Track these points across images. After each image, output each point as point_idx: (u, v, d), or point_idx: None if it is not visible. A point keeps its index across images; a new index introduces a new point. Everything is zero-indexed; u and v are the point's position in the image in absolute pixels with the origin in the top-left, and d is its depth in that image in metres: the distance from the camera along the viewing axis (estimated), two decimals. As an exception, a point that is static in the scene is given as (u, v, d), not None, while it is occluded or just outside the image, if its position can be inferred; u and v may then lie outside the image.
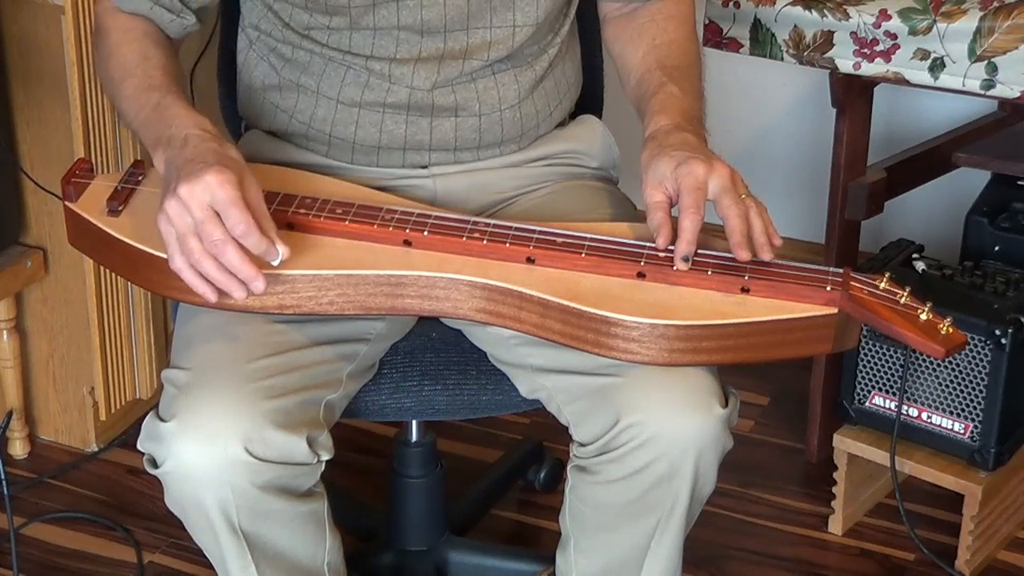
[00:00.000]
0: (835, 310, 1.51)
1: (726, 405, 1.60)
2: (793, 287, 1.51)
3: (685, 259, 1.53)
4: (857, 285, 1.52)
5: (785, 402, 2.69)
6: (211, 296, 1.50)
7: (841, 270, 1.53)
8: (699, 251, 1.55)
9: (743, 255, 1.53)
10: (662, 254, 1.55)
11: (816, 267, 1.54)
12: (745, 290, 1.52)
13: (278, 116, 1.81)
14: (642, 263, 1.54)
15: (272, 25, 1.78)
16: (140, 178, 1.67)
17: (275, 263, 1.50)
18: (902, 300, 1.50)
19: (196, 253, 1.48)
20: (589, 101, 1.98)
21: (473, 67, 1.74)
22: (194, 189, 1.47)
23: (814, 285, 1.51)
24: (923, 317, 1.49)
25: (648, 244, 1.56)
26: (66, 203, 1.64)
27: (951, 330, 1.48)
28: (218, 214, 1.47)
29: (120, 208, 1.61)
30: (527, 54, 1.79)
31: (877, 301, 1.50)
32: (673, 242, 1.55)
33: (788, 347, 1.52)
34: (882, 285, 1.52)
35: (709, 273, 1.53)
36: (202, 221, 1.47)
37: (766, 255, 1.54)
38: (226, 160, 1.51)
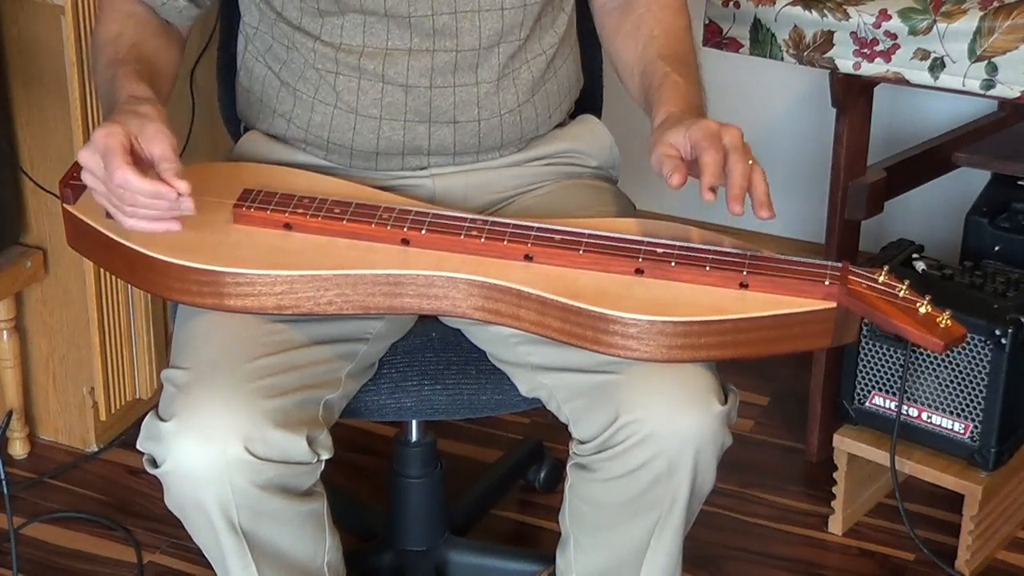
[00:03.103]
0: (834, 304, 1.50)
1: (725, 402, 1.60)
2: (792, 282, 1.51)
3: (712, 189, 1.51)
4: (856, 279, 1.52)
5: (785, 402, 2.69)
6: (164, 226, 1.55)
7: (840, 264, 1.53)
8: (696, 246, 1.55)
9: (736, 208, 1.51)
10: (660, 251, 1.55)
11: (815, 261, 1.53)
12: (744, 285, 1.52)
13: (276, 120, 1.81)
14: (640, 259, 1.54)
15: (267, 21, 1.78)
16: (139, 178, 1.67)
17: (184, 208, 1.52)
18: (901, 294, 1.50)
19: (116, 202, 1.53)
20: (589, 100, 1.98)
21: (467, 59, 1.74)
22: (84, 151, 1.53)
23: (813, 280, 1.51)
24: (922, 310, 1.48)
25: (646, 240, 1.56)
26: (64, 205, 1.64)
27: (950, 323, 1.47)
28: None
29: (118, 209, 1.61)
30: (525, 55, 1.78)
31: (876, 295, 1.50)
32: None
33: (787, 342, 1.52)
34: (881, 279, 1.51)
35: (707, 269, 1.53)
36: (101, 175, 1.52)
37: (764, 213, 1.52)
38: (125, 116, 1.54)
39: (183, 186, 1.51)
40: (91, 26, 2.26)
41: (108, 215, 1.58)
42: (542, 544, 2.35)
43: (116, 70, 1.66)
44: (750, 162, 1.54)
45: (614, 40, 1.84)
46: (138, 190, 1.50)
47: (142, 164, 1.52)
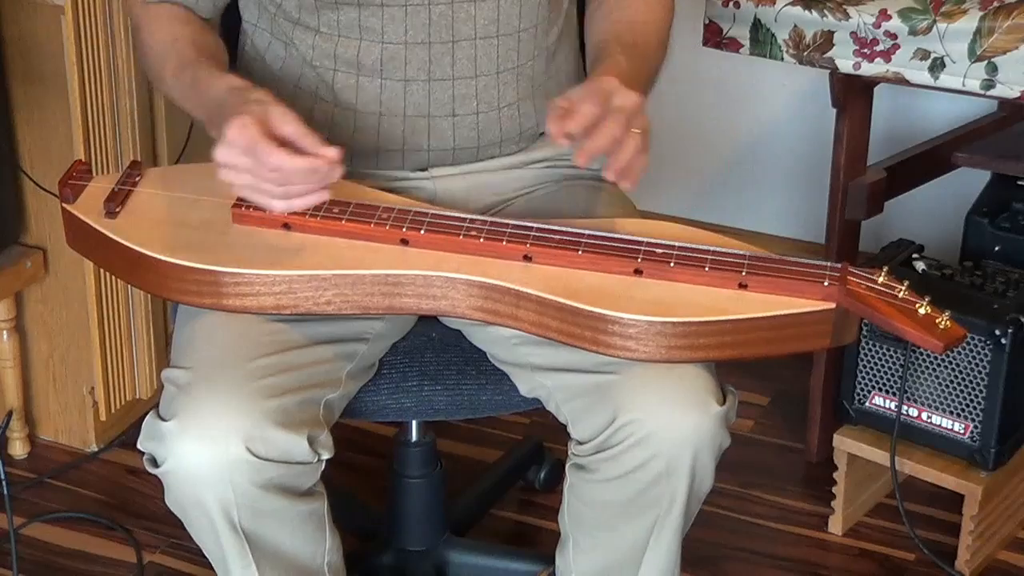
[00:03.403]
0: (832, 305, 1.50)
1: (723, 403, 1.60)
2: (791, 282, 1.51)
3: (569, 136, 1.51)
4: (855, 280, 1.52)
5: (785, 402, 2.69)
6: (318, 197, 1.53)
7: (839, 265, 1.53)
8: (695, 247, 1.55)
9: (579, 160, 1.51)
10: (659, 251, 1.55)
11: (814, 262, 1.53)
12: (743, 286, 1.52)
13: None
14: (639, 260, 1.54)
15: (265, 17, 1.78)
16: (137, 179, 1.67)
17: (335, 175, 1.51)
18: (900, 294, 1.50)
19: (268, 187, 1.52)
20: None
21: (463, 50, 1.73)
22: (221, 149, 1.51)
23: (812, 280, 1.51)
24: (921, 311, 1.48)
25: (645, 241, 1.56)
26: (64, 205, 1.65)
27: (949, 324, 1.47)
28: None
29: (117, 210, 1.62)
30: (527, 51, 1.78)
31: (875, 296, 1.50)
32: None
33: (786, 342, 1.52)
34: (880, 279, 1.51)
35: (706, 269, 1.53)
36: (249, 166, 1.50)
37: (608, 175, 1.52)
38: (246, 107, 1.53)
39: (333, 152, 1.50)
40: (91, 26, 2.26)
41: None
42: (542, 544, 2.35)
43: (194, 72, 1.66)
44: (634, 131, 1.52)
45: (593, 15, 1.85)
46: (294, 169, 1.49)
47: (282, 147, 1.51)
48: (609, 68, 1.66)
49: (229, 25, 1.95)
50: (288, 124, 1.51)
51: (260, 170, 1.50)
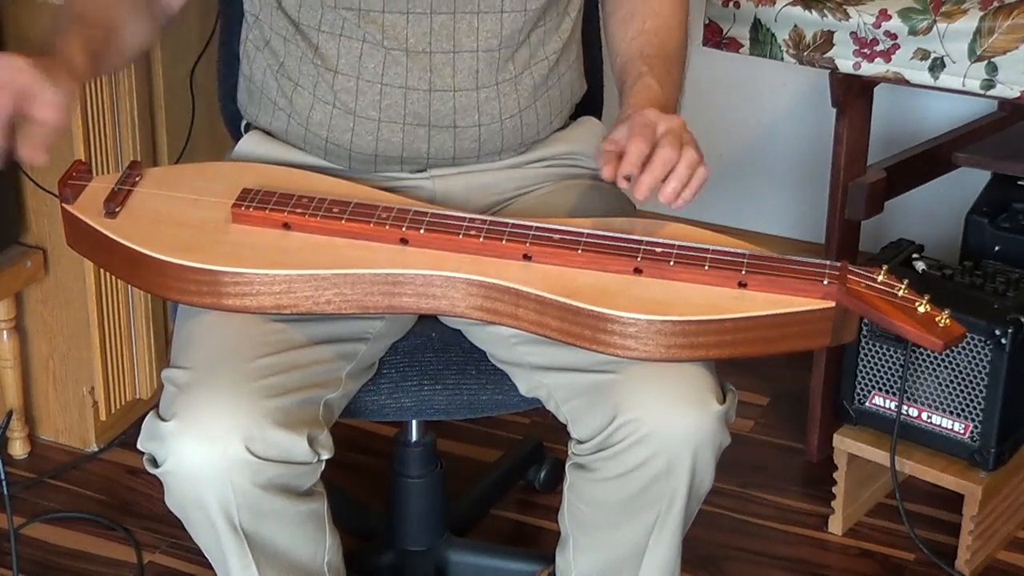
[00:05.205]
0: (832, 304, 1.50)
1: (723, 401, 1.60)
2: (790, 281, 1.51)
3: (627, 178, 1.53)
4: (855, 278, 1.52)
5: (785, 402, 2.69)
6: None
7: (839, 264, 1.53)
8: (695, 246, 1.55)
9: (638, 193, 1.53)
10: (659, 250, 1.55)
11: (813, 261, 1.53)
12: (742, 284, 1.52)
13: (277, 114, 1.81)
14: (639, 259, 1.54)
15: (266, 11, 1.78)
16: (137, 179, 1.67)
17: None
18: (900, 293, 1.50)
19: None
20: (589, 102, 1.98)
21: (465, 61, 1.73)
22: None
23: (811, 279, 1.51)
24: (921, 310, 1.48)
25: (645, 240, 1.56)
26: (63, 205, 1.64)
27: (949, 322, 1.47)
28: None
29: (117, 209, 1.61)
30: (527, 60, 1.78)
31: (875, 294, 1.50)
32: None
33: (786, 341, 1.52)
34: (880, 278, 1.51)
35: (706, 268, 1.53)
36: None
37: (664, 198, 1.54)
38: (28, 55, 1.51)
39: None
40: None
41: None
42: (542, 544, 2.35)
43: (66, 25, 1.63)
44: (685, 145, 1.55)
45: (608, 22, 1.85)
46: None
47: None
48: (644, 98, 1.68)
49: (229, 19, 1.95)
50: (47, 93, 1.48)
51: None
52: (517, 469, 2.46)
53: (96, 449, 2.55)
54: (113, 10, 1.69)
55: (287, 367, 1.62)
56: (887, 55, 2.16)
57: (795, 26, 2.21)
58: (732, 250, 1.55)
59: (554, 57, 1.81)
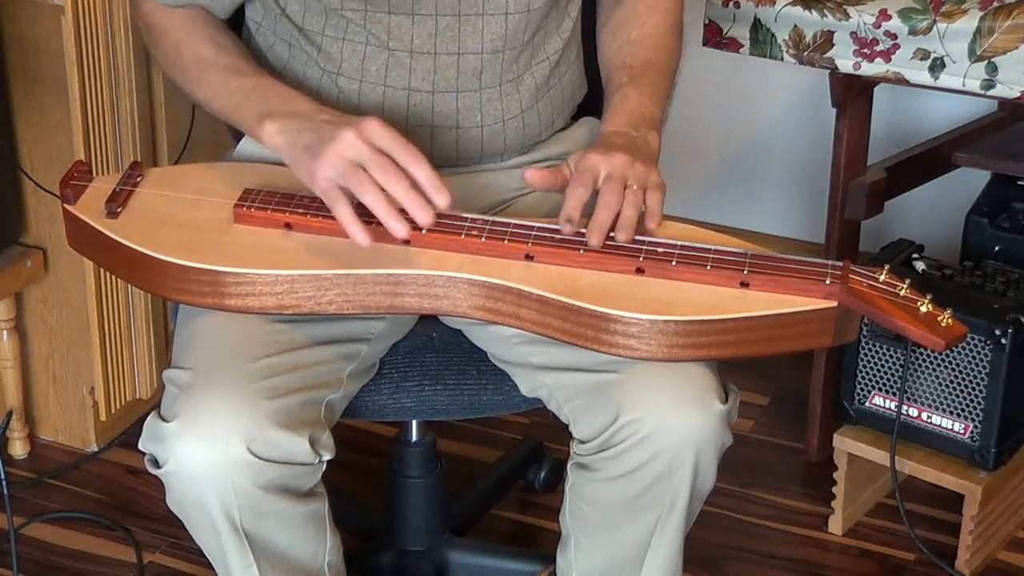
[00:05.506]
0: (834, 303, 1.50)
1: (725, 401, 1.60)
2: (792, 281, 1.51)
3: (569, 220, 1.55)
4: (857, 278, 1.52)
5: (785, 402, 2.70)
6: (368, 239, 1.52)
7: (841, 263, 1.53)
8: (697, 246, 1.55)
9: (591, 240, 1.54)
10: (661, 250, 1.55)
11: (816, 260, 1.53)
12: (744, 284, 1.52)
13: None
14: (641, 259, 1.54)
15: (270, 17, 1.78)
16: (138, 179, 1.67)
17: (442, 204, 1.51)
18: (902, 292, 1.50)
19: (370, 183, 1.51)
20: (590, 102, 1.98)
21: (469, 63, 1.73)
22: (363, 129, 1.52)
23: (813, 279, 1.51)
24: (923, 309, 1.48)
25: (647, 240, 1.56)
26: (65, 206, 1.64)
27: (951, 322, 1.47)
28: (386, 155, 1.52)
29: (119, 210, 1.61)
30: (529, 60, 1.78)
31: (877, 294, 1.50)
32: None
33: (788, 341, 1.52)
34: (882, 278, 1.51)
35: (708, 268, 1.53)
36: (373, 160, 1.51)
37: (620, 236, 1.55)
38: (349, 117, 1.57)
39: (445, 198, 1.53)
40: (91, 26, 2.26)
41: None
42: (542, 544, 2.35)
43: (256, 80, 1.67)
44: (631, 186, 1.57)
45: (599, 34, 1.86)
46: (427, 178, 1.52)
47: None
48: (620, 109, 1.71)
49: (232, 21, 1.95)
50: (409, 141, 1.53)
51: (388, 173, 1.51)
52: (517, 469, 2.46)
53: (96, 449, 2.55)
54: (236, 44, 1.76)
55: (288, 368, 1.62)
56: (887, 55, 2.16)
57: (795, 26, 2.21)
58: (734, 250, 1.55)
59: (555, 57, 1.81)
